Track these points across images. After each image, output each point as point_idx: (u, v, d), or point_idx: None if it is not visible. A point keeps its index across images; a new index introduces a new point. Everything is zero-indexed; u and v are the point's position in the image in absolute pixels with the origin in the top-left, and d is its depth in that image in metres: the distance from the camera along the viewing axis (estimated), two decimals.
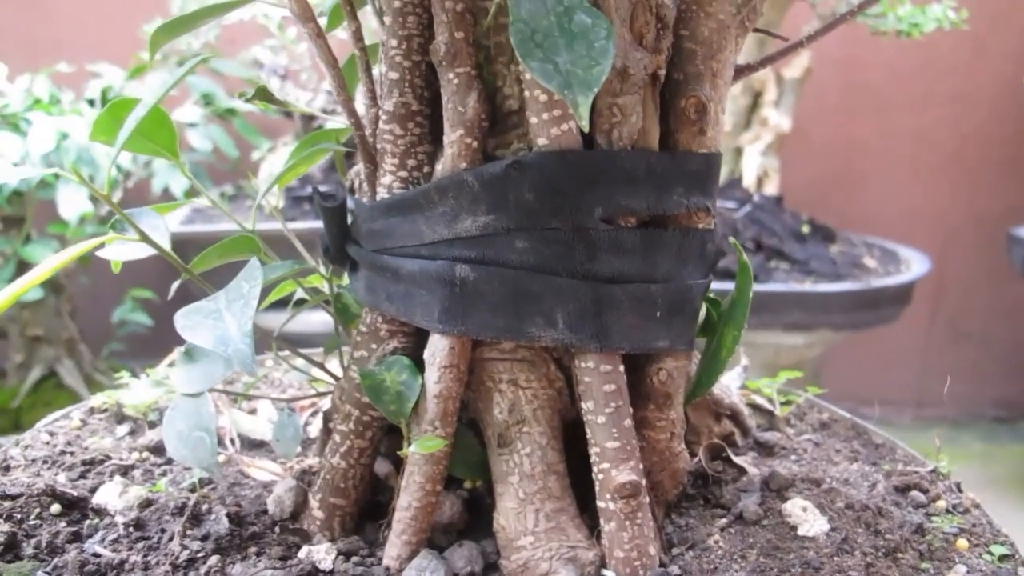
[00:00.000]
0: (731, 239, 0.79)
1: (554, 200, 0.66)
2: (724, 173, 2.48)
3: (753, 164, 2.45)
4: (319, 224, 0.81)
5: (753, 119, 2.47)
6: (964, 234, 2.80)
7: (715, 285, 0.79)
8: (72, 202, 2.12)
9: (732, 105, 2.43)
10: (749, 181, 2.44)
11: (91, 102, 2.39)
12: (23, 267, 2.30)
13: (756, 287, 2.05)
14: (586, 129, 0.56)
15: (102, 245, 0.72)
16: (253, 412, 1.01)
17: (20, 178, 0.69)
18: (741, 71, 0.79)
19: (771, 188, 2.46)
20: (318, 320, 1.86)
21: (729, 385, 0.95)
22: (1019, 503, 2.39)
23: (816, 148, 2.75)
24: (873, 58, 2.67)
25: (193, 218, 2.31)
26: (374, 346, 0.76)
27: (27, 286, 0.66)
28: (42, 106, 2.23)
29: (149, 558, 0.72)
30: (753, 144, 2.45)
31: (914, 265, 2.29)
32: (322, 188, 0.81)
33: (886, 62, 2.68)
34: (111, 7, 2.60)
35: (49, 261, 0.68)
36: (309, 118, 2.43)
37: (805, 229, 2.39)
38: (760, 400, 0.99)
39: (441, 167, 0.70)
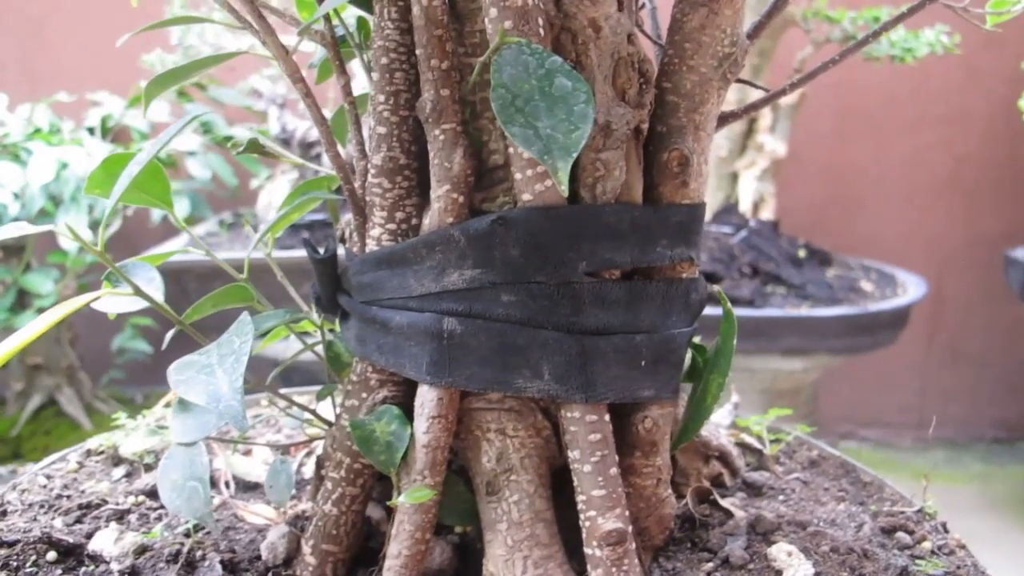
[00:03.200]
0: (716, 288, 0.81)
1: (539, 255, 0.67)
2: (720, 198, 2.50)
3: (749, 189, 2.47)
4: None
5: (748, 144, 2.49)
6: (960, 256, 2.81)
7: (707, 311, 0.80)
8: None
9: (728, 131, 2.44)
10: (745, 206, 2.46)
11: (91, 131, 2.41)
12: (23, 296, 2.31)
13: (752, 312, 2.07)
14: (565, 194, 0.57)
15: (97, 299, 0.73)
16: (248, 453, 1.02)
17: (16, 234, 0.70)
18: (725, 119, 0.80)
19: (767, 213, 2.48)
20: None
21: (718, 425, 0.96)
22: (1019, 524, 2.40)
23: (811, 173, 2.77)
24: (867, 82, 2.69)
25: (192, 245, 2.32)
26: (364, 395, 0.77)
27: (23, 343, 0.67)
28: (42, 135, 2.25)
29: None
30: (749, 169, 2.47)
31: (911, 288, 2.30)
32: (314, 223, 0.82)
33: (880, 86, 2.70)
34: (111, 36, 2.61)
35: (44, 317, 0.69)
36: (308, 146, 2.44)
37: (801, 253, 2.41)
38: (749, 439, 1.00)
39: (428, 221, 0.71)
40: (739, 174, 2.49)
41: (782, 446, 1.03)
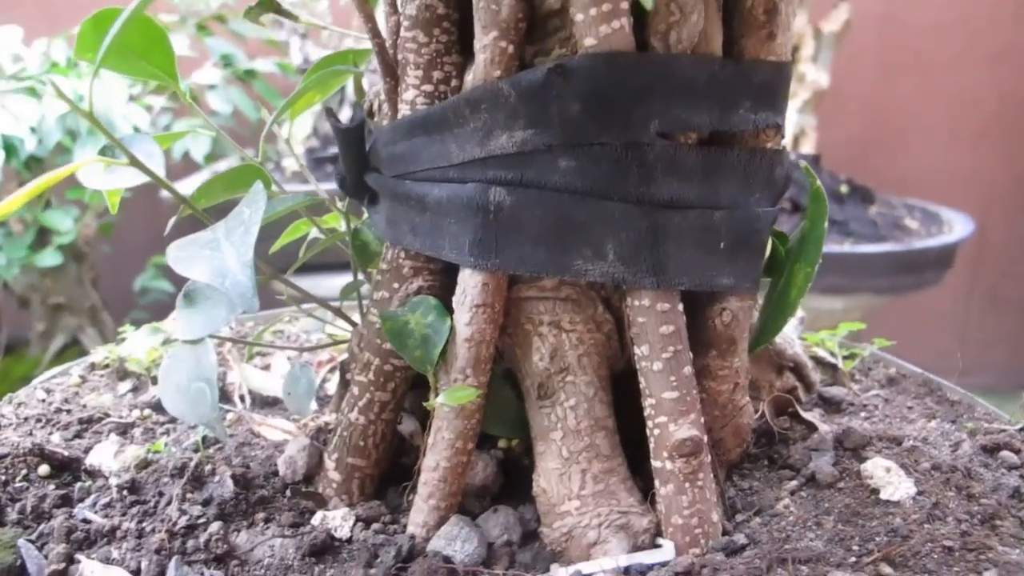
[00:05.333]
0: (803, 163, 0.70)
1: (603, 111, 0.57)
2: None
3: (789, 122, 2.35)
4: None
5: None
6: (1004, 197, 2.69)
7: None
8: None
9: None
10: (785, 139, 2.34)
11: None
12: (43, 233, 2.25)
13: None
14: (649, 6, 0.46)
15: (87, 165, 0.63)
16: (267, 368, 0.92)
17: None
18: None
19: (808, 147, 2.37)
20: (337, 285, 1.79)
21: (791, 335, 0.86)
22: None
23: (854, 107, 2.65)
24: (912, 16, 2.56)
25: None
26: (396, 285, 0.67)
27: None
28: (59, 70, 2.18)
29: (144, 524, 0.64)
30: (790, 100, 2.35)
31: (957, 226, 2.19)
32: (337, 156, 0.72)
33: (926, 19, 2.57)
34: None
35: (38, 180, 0.60)
36: None
37: (843, 189, 2.30)
38: (822, 353, 0.90)
39: (472, 77, 0.61)
40: None
41: (856, 362, 0.93)
